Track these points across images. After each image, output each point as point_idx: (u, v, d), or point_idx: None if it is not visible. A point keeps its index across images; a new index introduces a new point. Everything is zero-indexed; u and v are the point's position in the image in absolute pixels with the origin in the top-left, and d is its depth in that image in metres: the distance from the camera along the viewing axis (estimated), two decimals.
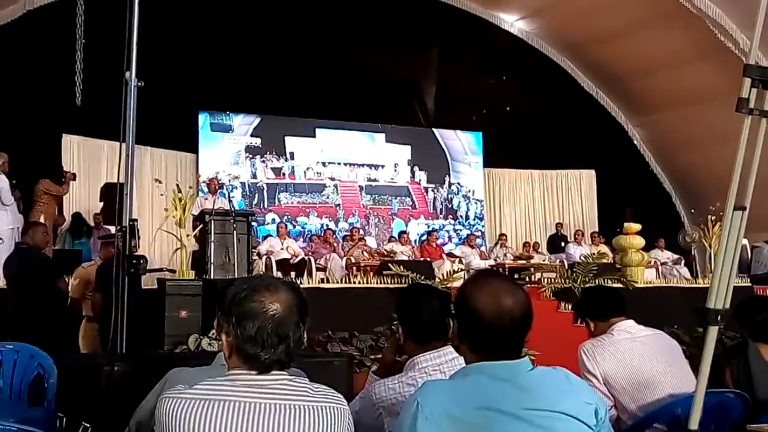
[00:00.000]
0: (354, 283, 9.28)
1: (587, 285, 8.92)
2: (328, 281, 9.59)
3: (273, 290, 1.86)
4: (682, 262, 13.84)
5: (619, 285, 9.33)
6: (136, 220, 4.40)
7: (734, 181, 2.02)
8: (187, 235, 8.39)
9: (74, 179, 10.53)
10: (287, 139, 14.39)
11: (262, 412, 1.78)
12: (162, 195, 9.39)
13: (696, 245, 13.78)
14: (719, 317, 2.03)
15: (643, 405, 3.16)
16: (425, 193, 15.60)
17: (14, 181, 9.09)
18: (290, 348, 1.85)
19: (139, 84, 4.49)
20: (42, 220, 8.94)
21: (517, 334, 1.92)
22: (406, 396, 2.41)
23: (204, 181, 12.26)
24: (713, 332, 2.04)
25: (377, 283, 9.15)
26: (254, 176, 14.06)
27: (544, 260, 13.79)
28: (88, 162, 12.00)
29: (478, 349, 1.92)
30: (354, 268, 11.41)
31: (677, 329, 7.68)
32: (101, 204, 10.83)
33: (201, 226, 8.49)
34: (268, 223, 13.80)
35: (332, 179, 14.75)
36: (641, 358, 3.23)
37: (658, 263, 13.45)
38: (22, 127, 10.65)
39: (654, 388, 3.17)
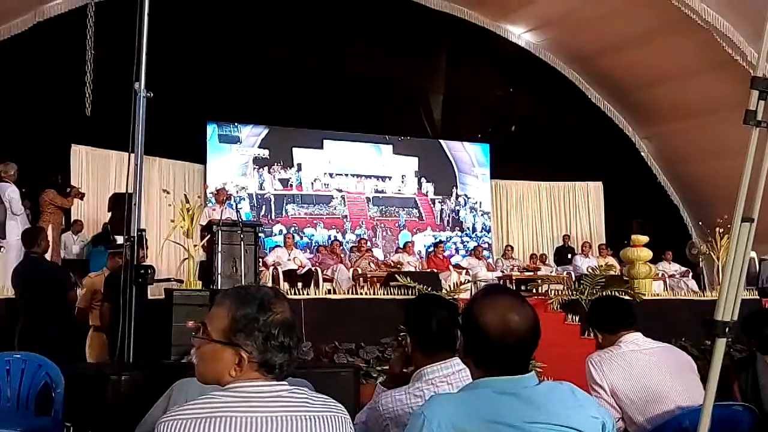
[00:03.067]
0: (361, 294, 9.29)
1: (595, 297, 8.90)
2: (334, 292, 9.61)
3: (280, 297, 1.87)
4: (690, 274, 13.80)
5: (627, 297, 9.30)
6: (144, 230, 4.42)
7: (742, 193, 2.02)
8: (195, 246, 8.40)
9: (82, 198, 10.34)
10: (295, 150, 14.42)
11: (263, 425, 1.76)
12: (170, 205, 9.40)
13: (703, 258, 13.73)
14: (727, 329, 2.02)
15: (650, 417, 3.13)
16: (432, 205, 15.58)
17: (23, 190, 9.10)
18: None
19: (148, 95, 4.51)
20: (49, 230, 8.91)
21: (524, 352, 1.91)
22: (413, 407, 2.39)
23: (212, 192, 12.27)
24: (721, 344, 2.02)
25: (384, 294, 9.16)
26: (262, 187, 14.08)
27: (551, 272, 13.77)
28: (96, 172, 12.03)
29: (483, 365, 1.92)
30: (361, 279, 11.42)
31: (685, 342, 7.69)
32: (109, 214, 10.84)
33: (208, 236, 8.50)
34: (276, 234, 13.81)
35: (339, 191, 14.76)
36: (649, 370, 3.21)
37: (666, 276, 13.41)
38: (31, 137, 10.70)
39: (662, 400, 3.14)
